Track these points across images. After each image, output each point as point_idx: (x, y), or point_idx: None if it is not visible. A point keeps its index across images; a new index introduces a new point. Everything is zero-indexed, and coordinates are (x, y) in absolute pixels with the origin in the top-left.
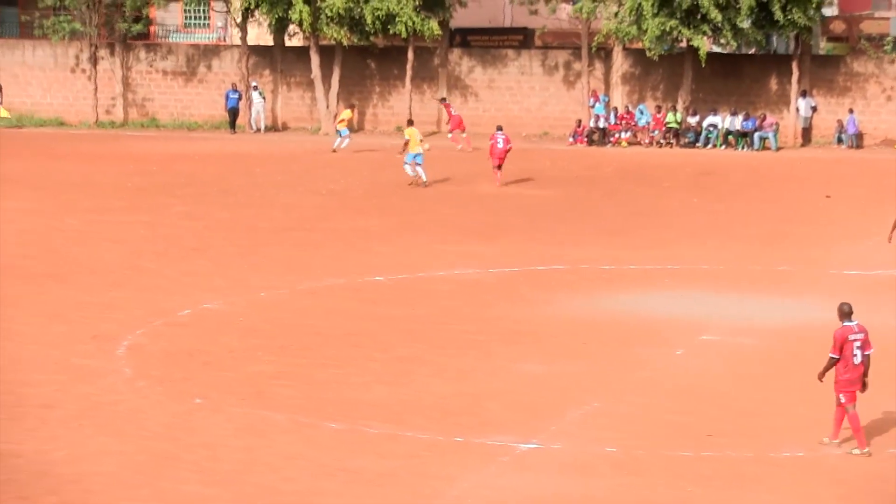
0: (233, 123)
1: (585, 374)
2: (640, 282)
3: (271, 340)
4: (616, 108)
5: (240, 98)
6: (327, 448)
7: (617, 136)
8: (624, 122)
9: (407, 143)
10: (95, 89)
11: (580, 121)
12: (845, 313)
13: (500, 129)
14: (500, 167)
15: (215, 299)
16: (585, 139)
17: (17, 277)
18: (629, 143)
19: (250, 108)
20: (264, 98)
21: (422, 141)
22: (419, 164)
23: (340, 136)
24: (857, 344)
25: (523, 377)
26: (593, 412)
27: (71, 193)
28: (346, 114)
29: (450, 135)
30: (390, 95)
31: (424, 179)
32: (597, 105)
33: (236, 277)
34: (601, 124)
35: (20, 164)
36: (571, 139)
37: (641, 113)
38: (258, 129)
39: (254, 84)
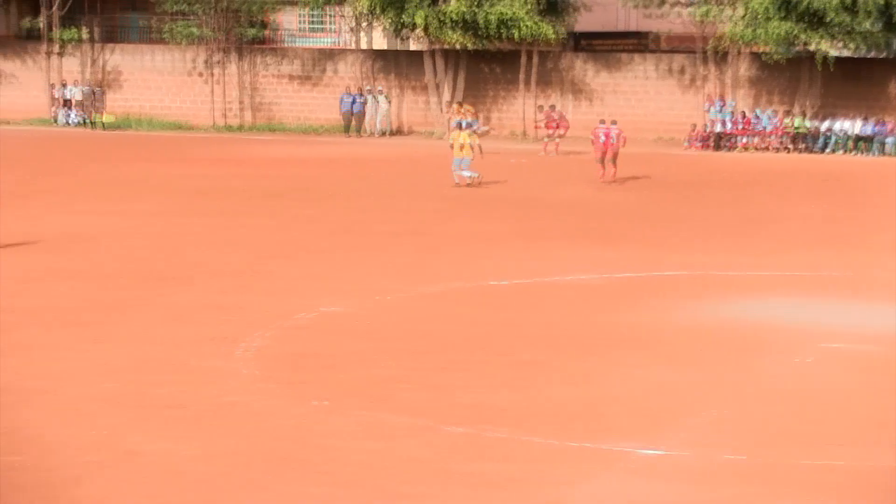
0: (348, 127)
1: (707, 380)
2: (760, 288)
3: (392, 344)
4: (735, 113)
5: (364, 102)
6: (448, 452)
7: (736, 140)
8: (744, 126)
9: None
10: (221, 93)
11: (695, 125)
12: None
13: (613, 122)
14: (613, 162)
15: (337, 302)
16: (704, 143)
17: (142, 279)
18: (749, 148)
19: (369, 112)
20: (389, 102)
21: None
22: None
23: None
24: None
25: (644, 383)
26: (716, 419)
27: (193, 197)
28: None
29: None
30: (512, 99)
31: (474, 175)
32: (712, 109)
33: (357, 281)
34: (719, 129)
35: (144, 167)
36: (687, 143)
37: (763, 118)
38: (382, 133)
39: (371, 88)
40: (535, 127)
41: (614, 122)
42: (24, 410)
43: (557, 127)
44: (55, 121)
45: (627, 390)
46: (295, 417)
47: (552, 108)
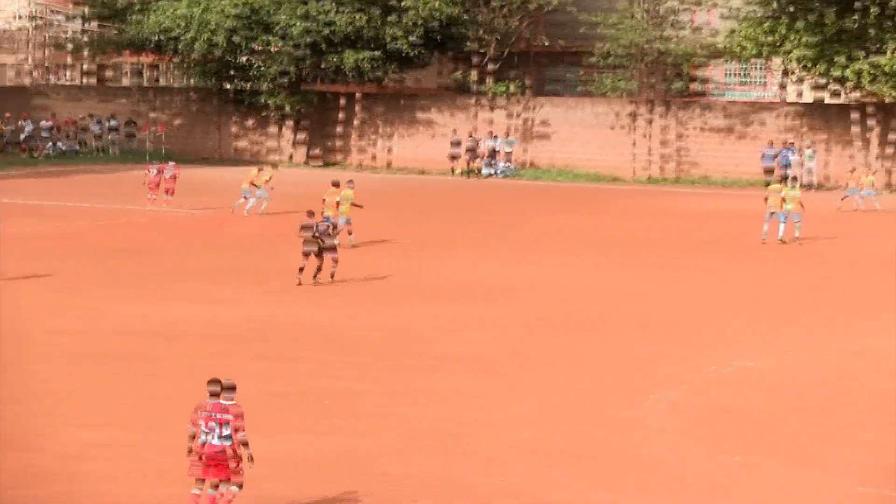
0: (767, 180)
1: None
2: None
3: (809, 401)
4: None
5: (791, 156)
6: None
7: None
8: None
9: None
10: (644, 145)
11: None
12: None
13: None
14: None
15: (751, 357)
16: None
17: (562, 329)
18: None
19: (802, 167)
20: (816, 155)
21: None
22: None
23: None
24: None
25: None
26: None
27: (616, 248)
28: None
29: None
30: None
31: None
32: None
33: (773, 335)
34: None
35: (569, 218)
36: None
37: None
38: (809, 187)
39: (807, 142)
40: None
41: None
42: (438, 455)
43: None
44: (479, 172)
45: None
46: (704, 473)
47: None
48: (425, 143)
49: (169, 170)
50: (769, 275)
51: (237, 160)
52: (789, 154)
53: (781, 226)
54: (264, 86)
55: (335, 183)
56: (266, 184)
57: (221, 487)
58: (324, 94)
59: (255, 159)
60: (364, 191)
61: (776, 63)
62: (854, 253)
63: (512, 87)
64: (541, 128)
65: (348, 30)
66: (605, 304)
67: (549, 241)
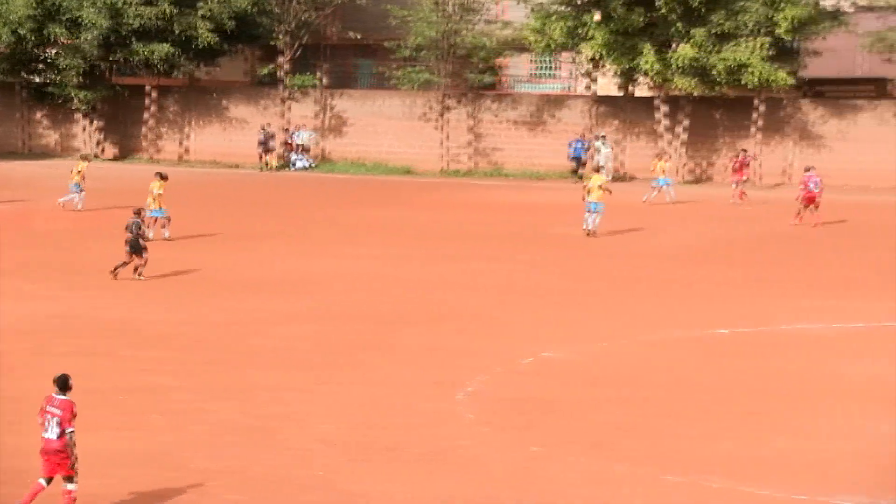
0: (576, 172)
1: None
2: None
3: (613, 391)
4: None
5: (585, 148)
6: (667, 500)
7: None
8: None
9: (587, 189)
10: (445, 139)
11: None
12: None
13: (812, 169)
14: (811, 208)
15: (557, 348)
16: None
17: (367, 322)
18: None
19: (595, 158)
20: (610, 148)
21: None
22: (593, 213)
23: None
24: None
25: (872, 436)
26: None
27: (420, 241)
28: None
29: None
30: (738, 145)
31: (590, 228)
32: None
33: (578, 327)
34: None
35: (374, 211)
36: None
37: None
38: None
39: (600, 134)
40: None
41: (813, 169)
42: (247, 449)
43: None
44: (288, 165)
45: (854, 443)
46: (511, 462)
47: (742, 152)
48: (231, 136)
49: None
50: (576, 266)
51: (44, 154)
52: (584, 146)
53: (594, 216)
54: (66, 79)
55: (159, 176)
56: (83, 176)
57: (67, 486)
58: (120, 87)
59: (81, 154)
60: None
61: (579, 56)
62: (657, 244)
63: (314, 80)
64: (339, 121)
65: (141, 22)
66: (414, 297)
67: (358, 234)
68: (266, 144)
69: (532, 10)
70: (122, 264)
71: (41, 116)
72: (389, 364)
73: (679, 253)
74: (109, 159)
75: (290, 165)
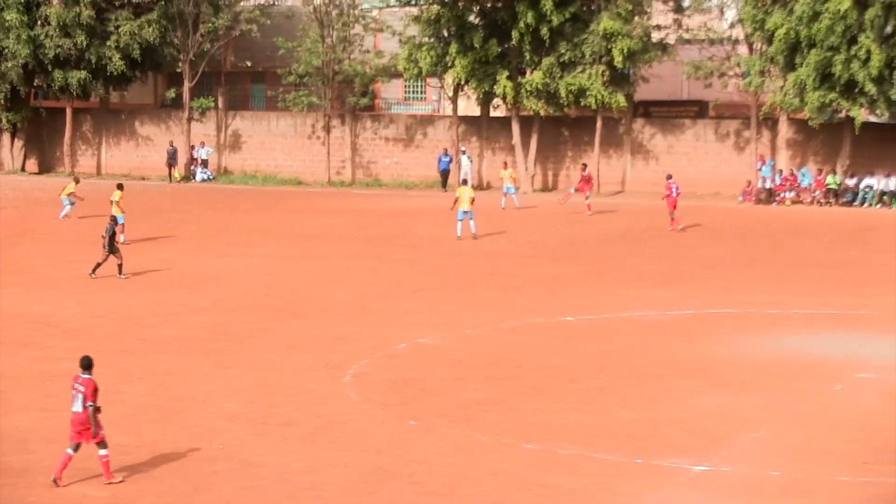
0: (444, 183)
1: (753, 405)
2: (803, 325)
3: (478, 371)
4: (781, 171)
5: (450, 161)
6: (526, 466)
7: (782, 195)
8: (788, 183)
9: (457, 201)
10: (328, 153)
11: (749, 182)
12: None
13: (670, 177)
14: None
15: (429, 335)
16: (754, 198)
17: (262, 314)
18: (793, 202)
19: (459, 170)
20: (472, 161)
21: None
22: (471, 220)
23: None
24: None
25: (698, 407)
26: (761, 440)
27: (308, 242)
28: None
29: (572, 190)
30: (581, 159)
31: (473, 232)
32: (763, 168)
33: (447, 316)
34: (768, 185)
35: (267, 217)
36: (741, 198)
37: (804, 175)
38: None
39: (463, 149)
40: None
41: (670, 176)
42: (161, 426)
43: (587, 185)
44: (193, 177)
45: (683, 413)
46: (391, 434)
47: (584, 166)
48: (141, 152)
49: None
50: (444, 264)
51: None
52: (449, 159)
53: (471, 222)
54: None
55: (120, 186)
56: (73, 194)
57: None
58: (41, 109)
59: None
60: (90, 195)
61: (443, 81)
62: (513, 244)
63: (209, 103)
64: (236, 138)
65: (58, 51)
66: (301, 291)
67: (252, 237)
68: (172, 159)
69: (403, 42)
70: (99, 265)
71: None
72: (282, 350)
73: (532, 252)
74: (31, 173)
75: (194, 178)
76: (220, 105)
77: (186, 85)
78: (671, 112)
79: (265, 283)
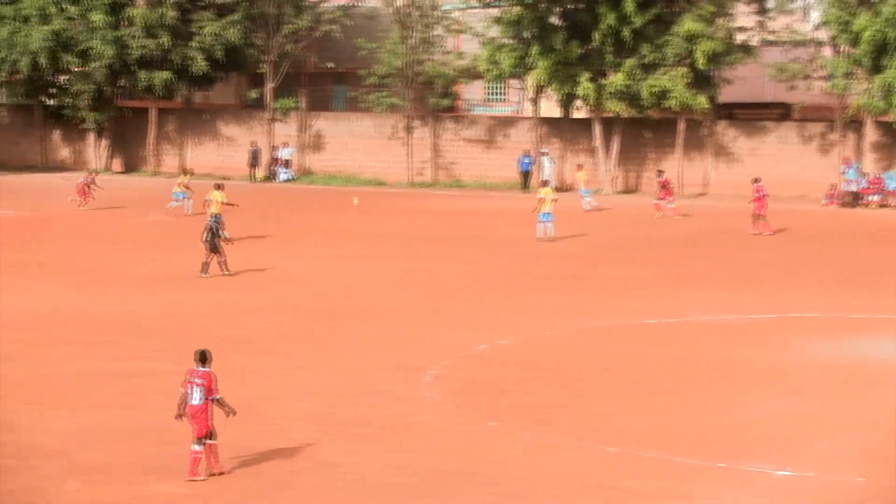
0: (525, 184)
1: (834, 410)
2: (883, 329)
3: (556, 373)
4: (866, 174)
5: (531, 163)
6: (605, 469)
7: (867, 199)
8: (874, 186)
9: (540, 202)
10: (409, 154)
11: (833, 185)
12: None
13: (758, 180)
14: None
15: (508, 336)
16: (838, 201)
17: (339, 313)
18: (879, 206)
19: (540, 171)
20: (553, 163)
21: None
22: (550, 222)
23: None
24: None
25: (777, 411)
26: (842, 445)
27: (387, 242)
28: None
29: (658, 201)
30: (663, 161)
31: (552, 234)
32: (849, 171)
33: (526, 317)
34: (853, 188)
35: (346, 217)
36: (825, 201)
37: (890, 179)
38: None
39: (544, 150)
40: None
41: (758, 179)
42: (236, 425)
43: (666, 191)
44: (274, 177)
45: (762, 417)
46: (469, 435)
47: (659, 173)
48: (223, 152)
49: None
50: (524, 266)
51: (60, 167)
52: (530, 161)
53: (550, 224)
54: (77, 102)
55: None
56: (186, 187)
57: (209, 441)
58: (126, 109)
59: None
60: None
61: (525, 83)
62: (593, 246)
63: (291, 104)
64: (318, 139)
65: (143, 52)
66: (379, 291)
67: (332, 237)
68: (254, 159)
69: (484, 43)
70: (206, 264)
71: (57, 135)
72: (358, 350)
73: (609, 254)
74: (116, 172)
75: (276, 178)
76: (303, 105)
77: (269, 85)
78: (754, 114)
79: (342, 283)
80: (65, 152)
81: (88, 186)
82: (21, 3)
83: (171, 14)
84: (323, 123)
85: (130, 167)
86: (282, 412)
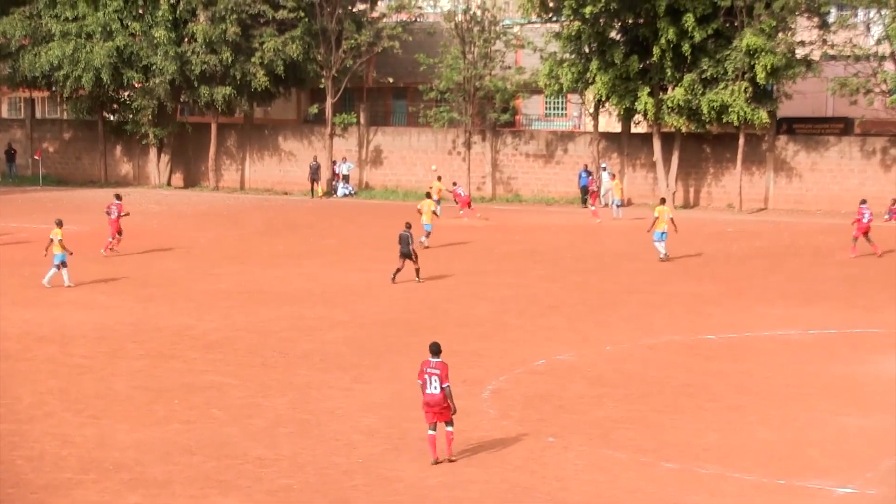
0: (584, 199)
1: None
2: None
3: (616, 389)
4: None
5: (591, 177)
6: (664, 485)
7: None
8: None
9: (656, 221)
10: (469, 169)
11: (895, 199)
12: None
13: (864, 202)
14: (862, 238)
15: (568, 351)
16: None
17: (400, 328)
18: None
19: (600, 187)
20: (613, 177)
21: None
22: (662, 241)
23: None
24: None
25: (841, 427)
26: None
27: (446, 257)
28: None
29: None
30: (722, 176)
31: (664, 253)
32: None
33: (586, 332)
34: None
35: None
36: (887, 216)
37: None
38: (607, 205)
39: (603, 165)
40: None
41: (864, 202)
42: (299, 440)
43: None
44: (334, 192)
45: (825, 434)
46: (529, 451)
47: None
48: (284, 167)
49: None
50: (583, 280)
51: (122, 183)
52: (588, 175)
53: (662, 243)
54: (139, 118)
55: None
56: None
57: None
58: (187, 125)
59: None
60: (234, 209)
61: (584, 97)
62: (654, 261)
63: (351, 119)
64: (377, 154)
65: (204, 68)
66: (439, 306)
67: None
68: (315, 174)
69: (544, 58)
70: (398, 270)
71: (119, 150)
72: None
73: (672, 269)
74: (177, 187)
75: (335, 193)
76: (362, 120)
77: (329, 101)
78: (815, 129)
79: (403, 298)
80: (126, 167)
81: (120, 219)
82: (84, 20)
83: (233, 30)
84: (382, 138)
85: (190, 182)
86: (344, 427)
